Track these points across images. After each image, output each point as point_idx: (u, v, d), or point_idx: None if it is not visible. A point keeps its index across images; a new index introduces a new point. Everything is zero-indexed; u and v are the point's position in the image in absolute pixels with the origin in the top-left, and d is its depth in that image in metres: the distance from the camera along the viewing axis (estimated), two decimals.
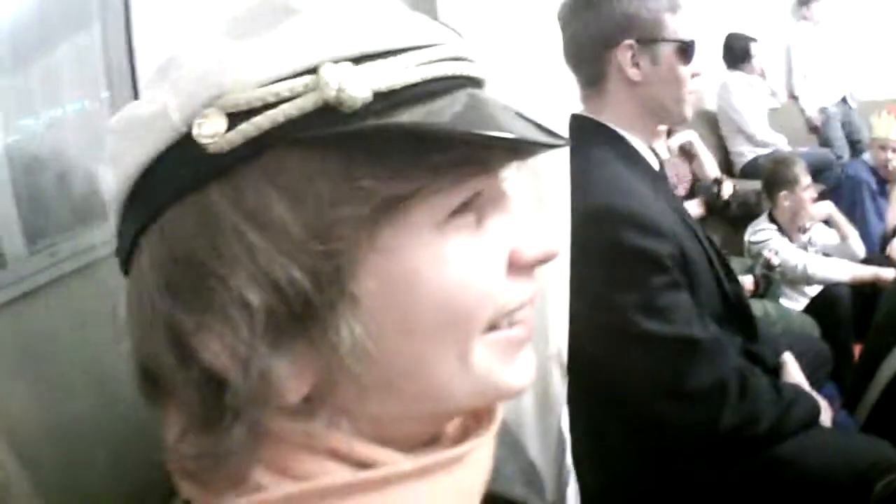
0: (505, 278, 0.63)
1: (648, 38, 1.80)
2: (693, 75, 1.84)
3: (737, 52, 5.84)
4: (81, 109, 1.27)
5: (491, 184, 0.64)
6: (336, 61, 0.54)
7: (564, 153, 1.47)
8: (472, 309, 0.60)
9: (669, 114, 1.88)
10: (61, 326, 1.11)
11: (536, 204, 1.42)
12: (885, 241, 4.66)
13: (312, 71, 0.54)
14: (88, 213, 1.17)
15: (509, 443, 0.94)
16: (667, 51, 1.81)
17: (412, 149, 0.56)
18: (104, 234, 1.11)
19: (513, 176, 1.37)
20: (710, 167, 4.65)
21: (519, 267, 0.64)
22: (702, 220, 4.22)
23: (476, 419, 0.74)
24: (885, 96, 5.98)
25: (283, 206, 0.54)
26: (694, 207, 4.17)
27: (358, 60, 0.55)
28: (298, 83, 0.54)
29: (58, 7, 1.21)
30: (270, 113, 0.53)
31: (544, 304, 1.48)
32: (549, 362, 1.52)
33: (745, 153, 5.65)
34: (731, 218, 4.69)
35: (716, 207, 4.10)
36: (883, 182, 4.95)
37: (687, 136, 4.70)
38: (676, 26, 1.82)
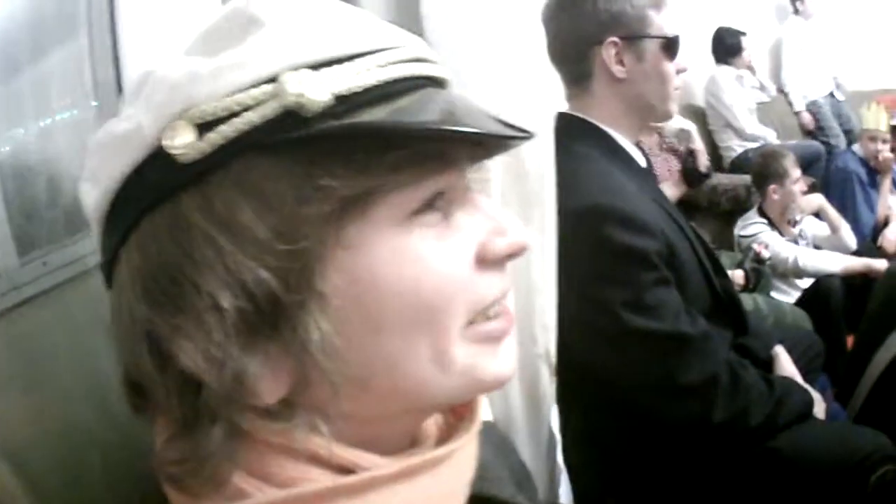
0: (473, 274, 0.63)
1: (633, 35, 1.80)
2: (678, 71, 1.85)
3: (726, 47, 5.84)
4: (71, 118, 1.27)
5: (456, 181, 0.65)
6: (296, 69, 0.57)
7: (550, 151, 1.48)
8: (439, 305, 0.61)
9: (654, 110, 1.89)
10: (55, 335, 1.11)
11: (523, 203, 1.43)
12: (877, 232, 4.69)
13: (274, 79, 0.56)
14: (80, 221, 1.17)
15: (499, 444, 0.95)
16: (651, 47, 1.81)
17: (372, 148, 0.57)
18: (95, 243, 1.12)
19: (498, 175, 1.38)
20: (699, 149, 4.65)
21: (488, 262, 0.65)
22: (691, 214, 4.21)
23: (458, 418, 0.74)
24: (873, 86, 6.02)
25: (250, 210, 0.56)
26: (669, 188, 4.14)
27: (317, 67, 0.57)
28: (260, 92, 0.56)
29: (46, 17, 1.22)
30: (235, 121, 0.56)
31: (531, 303, 1.48)
32: (538, 361, 1.52)
33: (734, 147, 5.67)
34: (721, 212, 4.71)
35: (693, 180, 4.07)
36: (873, 173, 4.97)
37: (685, 124, 4.69)
38: (661, 22, 1.82)
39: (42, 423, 1.04)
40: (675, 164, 4.51)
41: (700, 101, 5.88)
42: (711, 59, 5.88)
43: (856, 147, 5.21)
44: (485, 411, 0.77)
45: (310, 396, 0.60)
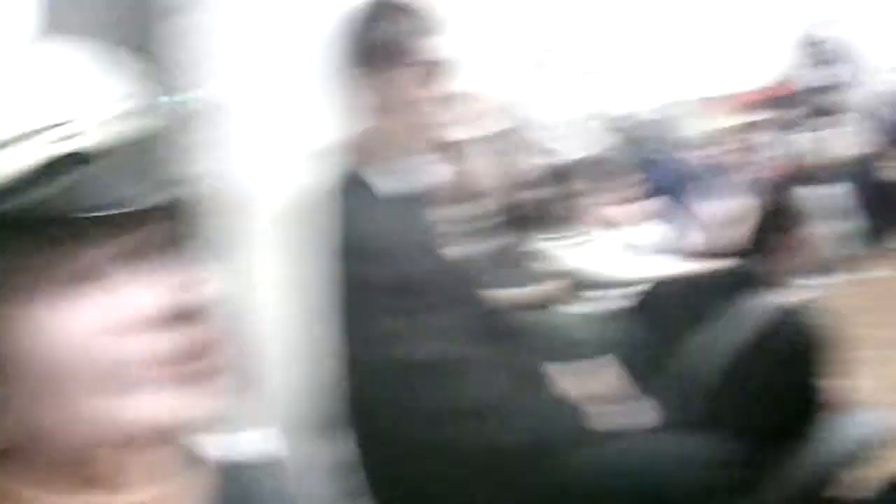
0: (131, 335, 0.63)
1: (393, 63, 1.79)
2: (443, 98, 1.85)
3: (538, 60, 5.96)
4: None
5: (121, 244, 0.64)
6: None
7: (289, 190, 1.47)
8: (69, 371, 0.62)
9: (419, 138, 1.87)
10: None
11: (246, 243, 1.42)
12: (710, 236, 4.80)
13: None
14: None
15: (259, 485, 0.92)
16: (410, 76, 1.80)
17: (11, 231, 0.59)
18: None
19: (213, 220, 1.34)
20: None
21: (155, 320, 0.64)
22: (499, 225, 4.20)
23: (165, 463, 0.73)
24: (714, 92, 6.24)
25: None
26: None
27: None
28: None
29: None
30: None
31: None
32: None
33: (545, 159, 5.74)
34: (530, 224, 4.72)
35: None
36: (710, 175, 5.07)
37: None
38: (426, 49, 1.82)
39: None
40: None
41: (508, 116, 5.96)
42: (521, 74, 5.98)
43: (691, 151, 5.34)
44: (247, 448, 0.76)
45: None
